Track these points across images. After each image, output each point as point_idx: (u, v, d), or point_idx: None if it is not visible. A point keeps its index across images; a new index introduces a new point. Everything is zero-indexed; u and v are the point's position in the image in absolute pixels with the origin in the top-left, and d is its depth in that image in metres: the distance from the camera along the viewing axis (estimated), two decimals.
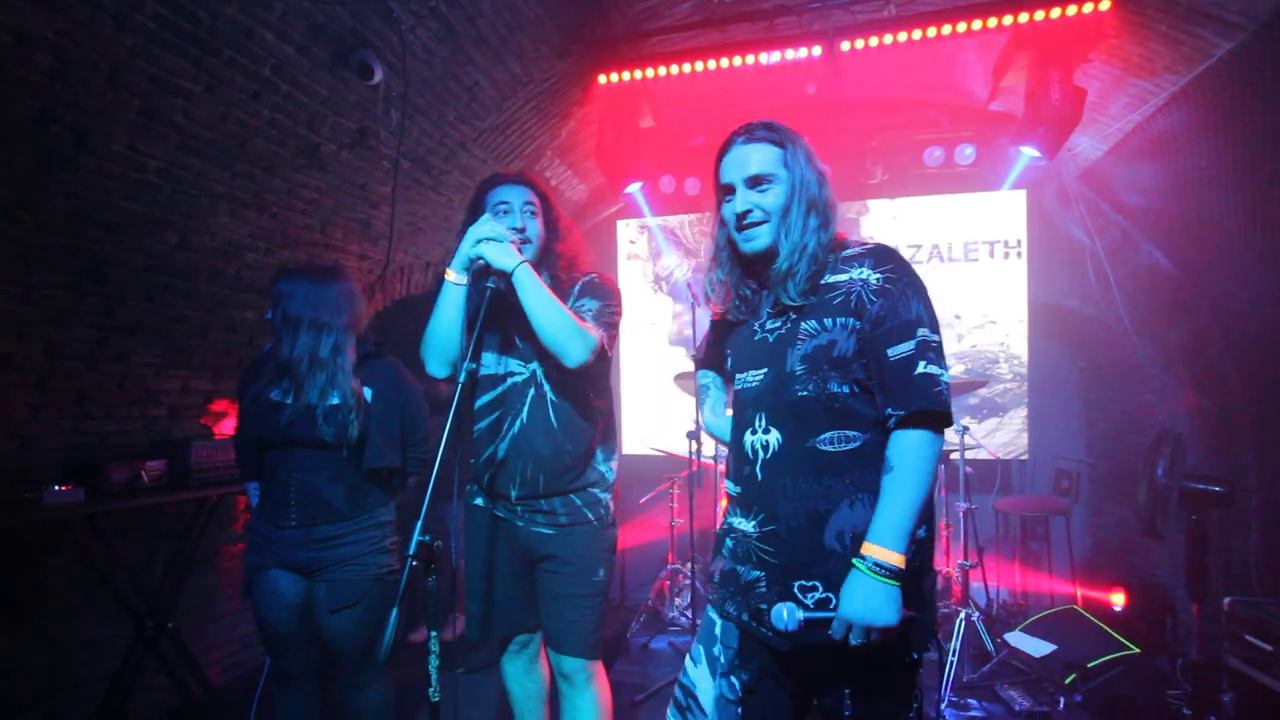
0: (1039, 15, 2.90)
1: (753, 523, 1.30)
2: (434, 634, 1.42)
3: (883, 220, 4.56)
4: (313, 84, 2.63)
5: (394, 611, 1.33)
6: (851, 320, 1.23)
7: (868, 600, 1.13)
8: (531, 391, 1.75)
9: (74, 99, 2.10)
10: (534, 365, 1.76)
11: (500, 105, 3.39)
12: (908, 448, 1.18)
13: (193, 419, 2.87)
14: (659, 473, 4.16)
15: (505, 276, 1.60)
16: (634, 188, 3.85)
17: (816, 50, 3.13)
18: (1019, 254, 4.33)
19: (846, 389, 1.23)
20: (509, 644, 1.90)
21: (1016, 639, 3.18)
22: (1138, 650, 2.98)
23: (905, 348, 1.19)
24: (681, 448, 3.62)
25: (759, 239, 1.30)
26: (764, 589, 1.26)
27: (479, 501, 1.86)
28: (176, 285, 2.68)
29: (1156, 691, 2.88)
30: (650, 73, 3.39)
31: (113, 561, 2.55)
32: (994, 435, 4.35)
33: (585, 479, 1.79)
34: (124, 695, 2.55)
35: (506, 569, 1.82)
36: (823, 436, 1.23)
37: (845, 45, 3.09)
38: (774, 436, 1.27)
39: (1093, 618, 3.30)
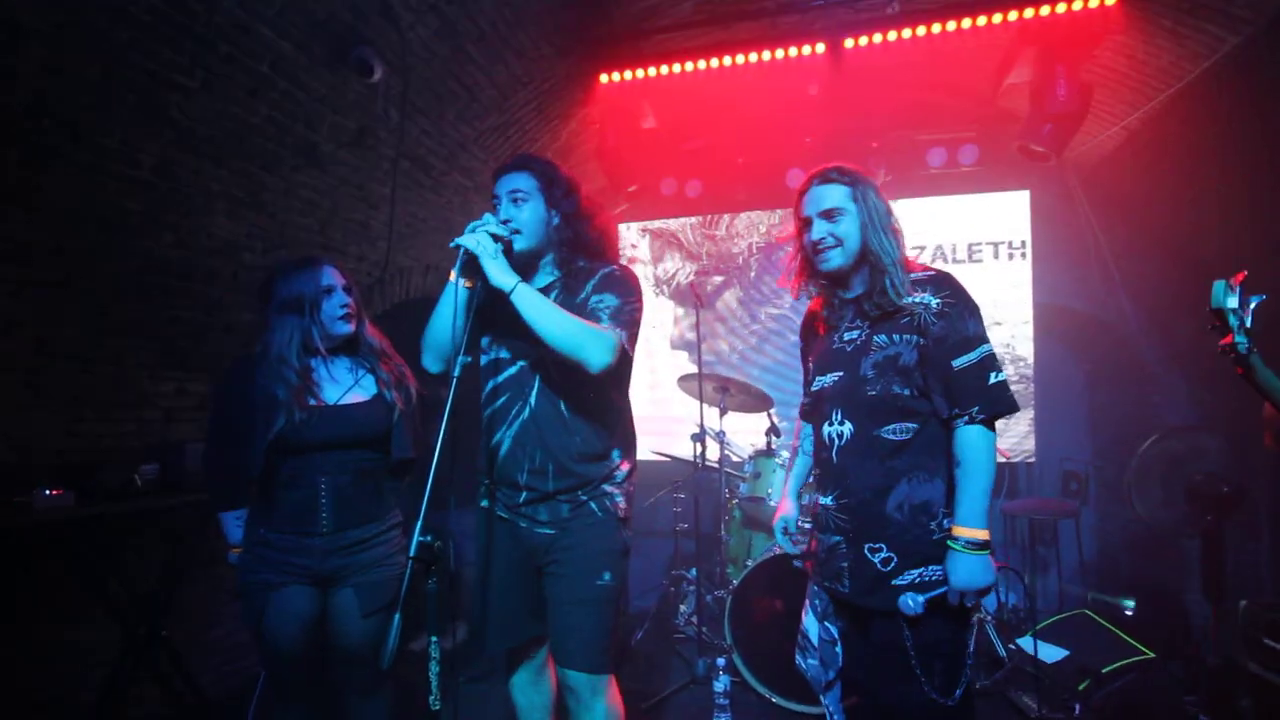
0: (1044, 11, 2.88)
1: (830, 497, 1.57)
2: (434, 639, 1.36)
3: None
4: (311, 81, 2.59)
5: (396, 616, 1.28)
6: (915, 337, 1.49)
7: (971, 571, 1.41)
8: (540, 376, 1.66)
9: (67, 93, 2.06)
10: (543, 351, 1.65)
11: (501, 105, 3.36)
12: (976, 443, 1.45)
13: (188, 422, 2.81)
14: (663, 478, 4.09)
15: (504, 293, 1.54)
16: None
17: (820, 48, 3.10)
18: (1023, 255, 4.29)
19: (907, 391, 1.49)
20: (514, 655, 1.81)
21: (1028, 644, 3.11)
22: (1152, 655, 2.91)
23: (968, 359, 1.46)
24: (686, 451, 3.55)
25: (831, 260, 1.56)
26: (844, 550, 1.54)
27: (484, 503, 1.77)
28: (172, 285, 2.62)
29: (1173, 697, 2.81)
30: (652, 72, 3.36)
31: (105, 567, 2.48)
32: (1001, 437, 4.24)
33: (597, 473, 1.68)
34: (116, 704, 2.47)
35: (510, 575, 1.73)
36: (887, 428, 1.50)
37: (849, 43, 3.06)
38: (847, 427, 1.55)
39: (1104, 622, 3.23)
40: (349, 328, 1.87)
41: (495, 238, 1.57)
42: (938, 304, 1.48)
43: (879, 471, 1.50)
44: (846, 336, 1.60)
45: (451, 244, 1.54)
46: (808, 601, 1.69)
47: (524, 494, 1.67)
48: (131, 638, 2.51)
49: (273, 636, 1.75)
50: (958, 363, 1.45)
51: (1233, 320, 1.61)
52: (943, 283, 1.52)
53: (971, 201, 4.36)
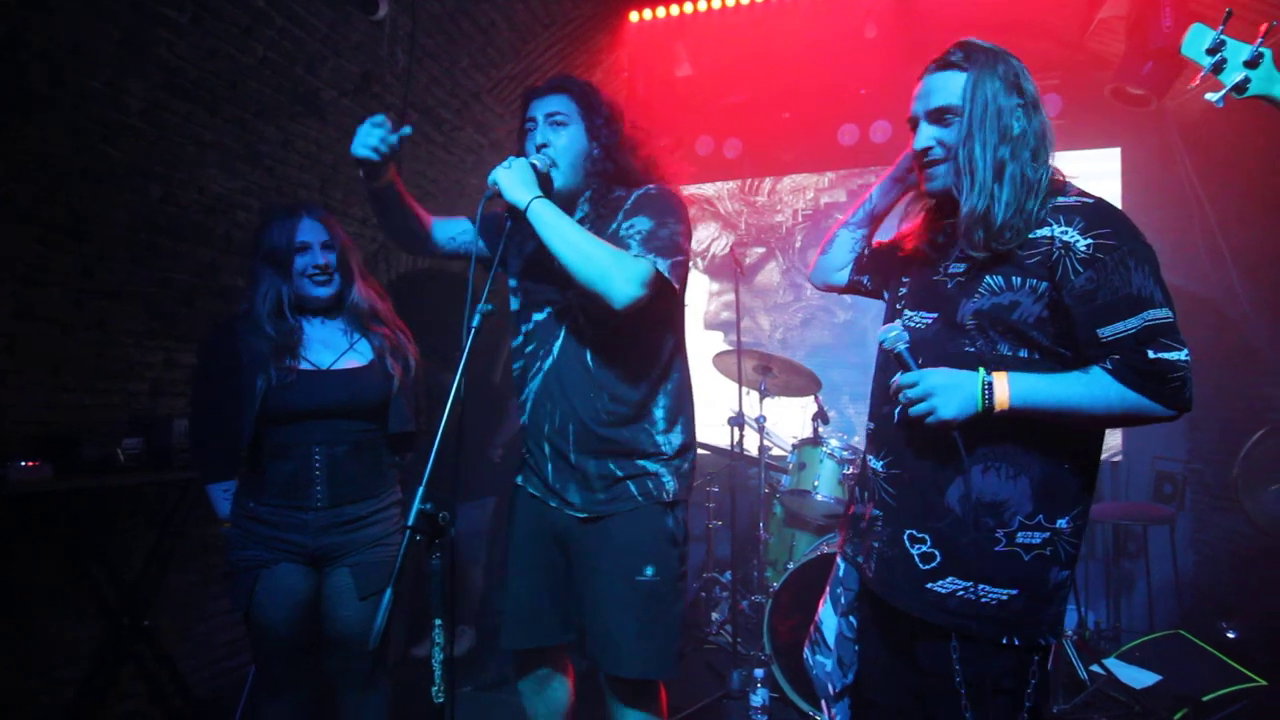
0: None
1: (881, 462, 1.36)
2: (438, 623, 1.27)
3: None
4: (311, 18, 2.55)
5: (387, 592, 1.20)
6: (1044, 285, 1.20)
7: (952, 386, 1.18)
8: (566, 324, 1.57)
9: (46, 28, 2.03)
10: (570, 293, 1.57)
11: (519, 50, 3.28)
12: (1118, 386, 1.16)
13: (177, 395, 2.80)
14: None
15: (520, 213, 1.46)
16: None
17: None
18: None
19: (1024, 354, 1.23)
20: (523, 659, 1.72)
21: (1114, 666, 2.96)
22: (1264, 682, 2.73)
23: (1122, 328, 1.15)
24: (722, 439, 3.45)
25: (938, 178, 1.30)
26: (879, 528, 1.35)
27: (518, 479, 1.71)
28: (162, 245, 2.61)
29: None
30: (688, 8, 3.26)
31: (86, 550, 2.48)
32: None
33: (631, 444, 1.56)
34: (96, 702, 2.48)
35: (537, 565, 1.65)
36: None
37: None
38: None
39: (1204, 644, 3.05)
40: (320, 292, 1.84)
41: (533, 167, 1.51)
42: (1087, 246, 1.16)
43: (949, 449, 1.23)
44: (951, 269, 1.32)
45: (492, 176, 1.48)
46: (830, 588, 1.52)
47: (550, 464, 1.59)
48: (114, 629, 2.51)
49: (262, 618, 1.74)
50: (1106, 332, 1.15)
51: (1213, 60, 1.46)
52: (1099, 216, 1.19)
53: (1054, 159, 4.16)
